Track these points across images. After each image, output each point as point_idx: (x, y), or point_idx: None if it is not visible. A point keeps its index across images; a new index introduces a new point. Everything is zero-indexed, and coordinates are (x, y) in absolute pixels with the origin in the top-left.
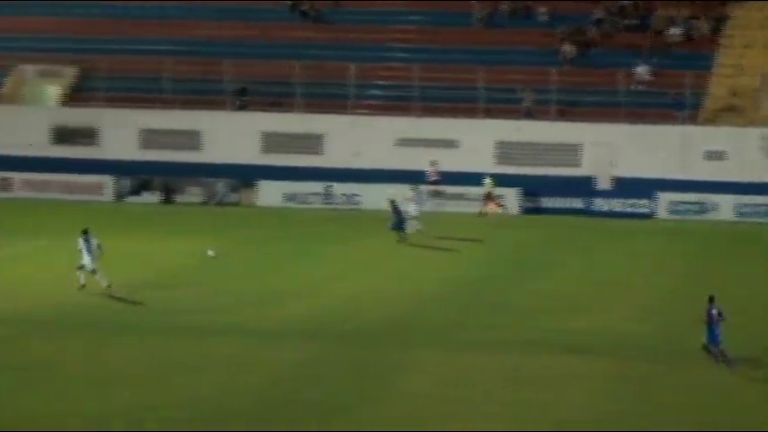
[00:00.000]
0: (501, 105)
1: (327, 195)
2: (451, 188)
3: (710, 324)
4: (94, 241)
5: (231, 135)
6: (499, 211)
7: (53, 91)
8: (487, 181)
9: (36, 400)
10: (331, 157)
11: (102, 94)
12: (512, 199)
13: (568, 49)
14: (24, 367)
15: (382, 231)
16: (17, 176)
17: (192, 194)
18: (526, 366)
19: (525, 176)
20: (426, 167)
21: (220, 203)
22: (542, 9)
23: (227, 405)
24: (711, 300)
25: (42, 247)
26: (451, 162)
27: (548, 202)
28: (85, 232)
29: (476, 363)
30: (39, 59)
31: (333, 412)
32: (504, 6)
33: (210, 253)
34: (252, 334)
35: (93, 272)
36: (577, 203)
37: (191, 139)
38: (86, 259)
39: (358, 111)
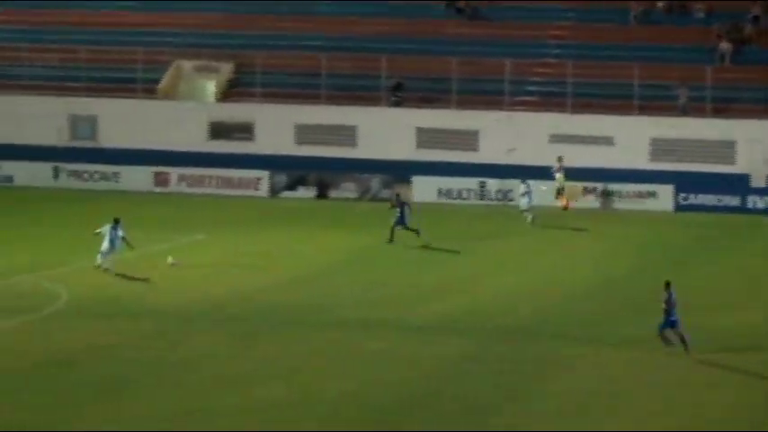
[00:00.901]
0: (656, 102)
1: (481, 191)
2: (606, 185)
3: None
4: (121, 233)
5: (386, 131)
6: (569, 204)
7: (210, 86)
8: (558, 176)
9: (182, 396)
10: (485, 154)
11: (259, 89)
12: (666, 196)
13: (725, 46)
14: (173, 362)
15: (537, 227)
16: (174, 171)
17: (347, 190)
18: (677, 365)
19: (679, 173)
20: (580, 163)
21: (375, 199)
22: (699, 6)
23: (374, 400)
24: (668, 285)
25: (199, 241)
26: (606, 159)
27: (702, 200)
28: (116, 221)
29: (629, 359)
30: (196, 55)
31: (482, 409)
32: (661, 4)
33: (170, 260)
34: (401, 329)
35: (102, 254)
36: (732, 201)
37: (345, 134)
38: (105, 245)
39: (513, 107)
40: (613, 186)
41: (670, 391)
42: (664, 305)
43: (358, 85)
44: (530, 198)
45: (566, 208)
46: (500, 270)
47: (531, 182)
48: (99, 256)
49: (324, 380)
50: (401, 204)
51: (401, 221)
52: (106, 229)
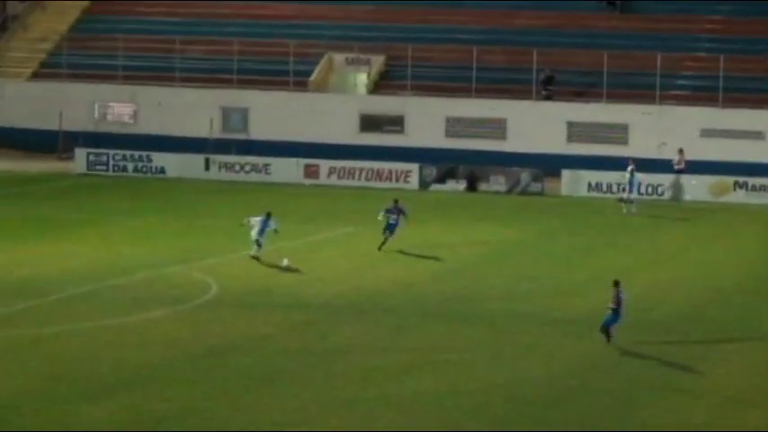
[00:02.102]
0: None
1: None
2: (757, 180)
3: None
4: (273, 224)
5: (536, 124)
6: (627, 198)
7: (361, 79)
8: (629, 167)
9: (332, 387)
10: (636, 147)
11: (409, 82)
12: None
13: None
14: (323, 353)
15: (683, 223)
16: (324, 163)
17: (496, 183)
18: None
19: None
20: (731, 158)
21: (524, 192)
22: None
23: (521, 394)
24: (617, 284)
25: (349, 233)
26: (758, 153)
27: None
28: (269, 215)
29: None
30: (347, 48)
31: (630, 404)
32: None
33: (284, 262)
34: (549, 323)
35: (256, 242)
36: None
37: (496, 127)
38: (254, 232)
39: (664, 101)
40: (763, 181)
41: None
42: (611, 304)
43: (509, 78)
44: (633, 187)
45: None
46: (651, 264)
47: (637, 173)
48: (254, 247)
49: (471, 373)
50: (398, 211)
51: (390, 228)
52: (256, 220)
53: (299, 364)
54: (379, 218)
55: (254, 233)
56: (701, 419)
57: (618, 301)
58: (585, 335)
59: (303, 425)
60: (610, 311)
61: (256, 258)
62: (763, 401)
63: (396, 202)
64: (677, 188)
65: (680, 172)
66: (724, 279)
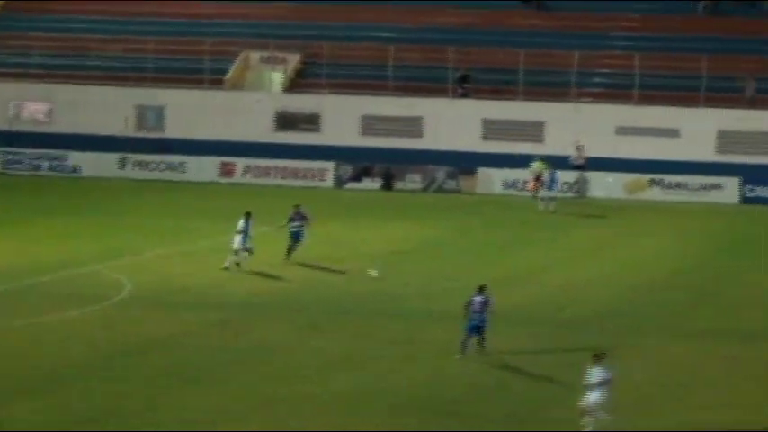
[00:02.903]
0: (723, 94)
1: (549, 184)
2: (672, 177)
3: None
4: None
5: (452, 122)
6: (536, 194)
7: (277, 77)
8: (537, 163)
9: (250, 386)
10: (551, 145)
11: (326, 80)
12: (732, 188)
13: None
14: (239, 353)
15: (597, 221)
16: (240, 162)
17: (412, 181)
18: (748, 355)
19: (746, 166)
20: (646, 155)
21: (440, 190)
22: None
23: (438, 392)
24: (481, 289)
25: (264, 232)
26: (672, 151)
27: None
28: (248, 215)
29: (704, 351)
30: (264, 46)
31: (547, 401)
32: None
33: (373, 273)
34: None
35: (237, 252)
36: None
37: (412, 125)
38: (237, 240)
39: (580, 99)
40: (680, 179)
41: (737, 383)
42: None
43: (425, 76)
44: (553, 186)
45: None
46: (567, 262)
47: (557, 171)
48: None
49: (388, 371)
50: (300, 218)
51: (295, 237)
52: (242, 224)
53: (217, 363)
54: (282, 225)
55: (238, 242)
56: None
57: (482, 308)
58: (502, 332)
59: (223, 424)
60: (473, 319)
61: (237, 265)
62: (677, 397)
63: (297, 207)
64: (581, 184)
65: (580, 168)
66: (640, 276)
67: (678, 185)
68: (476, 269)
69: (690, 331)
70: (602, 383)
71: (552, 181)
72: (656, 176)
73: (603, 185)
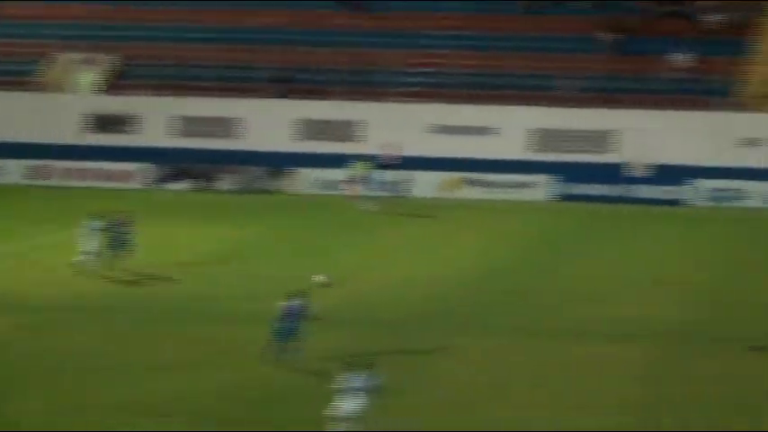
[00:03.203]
0: (538, 92)
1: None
2: (486, 176)
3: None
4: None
5: (269, 122)
6: (355, 194)
7: (90, 79)
8: (359, 163)
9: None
10: (369, 145)
11: (142, 81)
12: (546, 186)
13: (608, 36)
14: (44, 357)
15: (414, 220)
16: (52, 164)
17: (229, 182)
18: (565, 354)
19: (560, 163)
20: (461, 154)
21: (258, 191)
22: None
23: (252, 393)
24: (297, 294)
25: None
26: (486, 150)
27: (582, 189)
28: (101, 217)
29: (513, 350)
30: (77, 47)
31: None
32: None
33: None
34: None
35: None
36: (612, 191)
37: (228, 126)
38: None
39: (396, 98)
40: (495, 177)
41: (555, 380)
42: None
43: (243, 76)
44: (370, 185)
45: (355, 197)
46: (383, 261)
47: (378, 171)
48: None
49: (207, 374)
50: (119, 224)
51: (117, 241)
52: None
53: (32, 368)
54: (99, 229)
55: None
56: (432, 413)
57: (298, 313)
58: (318, 334)
59: (44, 428)
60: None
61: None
62: (495, 395)
63: (115, 212)
64: (400, 184)
65: (388, 167)
66: (457, 275)
67: (493, 184)
68: (293, 270)
69: (507, 329)
70: (363, 390)
71: (374, 181)
72: (472, 175)
73: (420, 184)
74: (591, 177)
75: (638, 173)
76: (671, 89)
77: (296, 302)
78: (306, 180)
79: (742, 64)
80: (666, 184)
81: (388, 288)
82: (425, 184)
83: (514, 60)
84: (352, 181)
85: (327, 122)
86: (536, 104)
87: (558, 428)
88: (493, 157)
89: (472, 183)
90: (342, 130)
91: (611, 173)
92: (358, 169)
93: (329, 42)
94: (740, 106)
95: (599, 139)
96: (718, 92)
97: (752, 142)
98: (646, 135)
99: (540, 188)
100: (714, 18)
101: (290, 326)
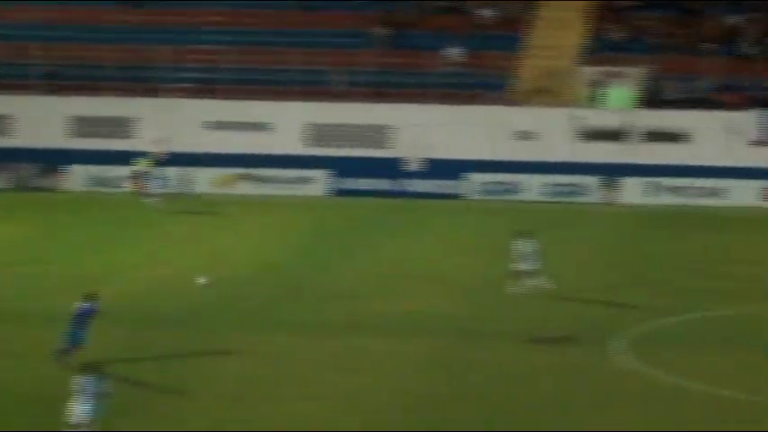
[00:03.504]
0: (313, 87)
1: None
2: (264, 171)
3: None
4: None
5: (39, 119)
6: (140, 190)
7: None
8: (140, 160)
9: None
10: (142, 141)
11: None
12: (323, 181)
13: (382, 31)
14: None
15: (188, 216)
16: None
17: (1, 180)
18: (341, 349)
19: (337, 158)
20: (237, 149)
21: (29, 189)
22: None
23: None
24: (90, 297)
25: None
26: (262, 145)
27: (358, 184)
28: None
29: (290, 345)
30: None
31: (143, 403)
32: None
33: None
34: (52, 319)
35: None
36: (387, 185)
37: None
38: None
39: (169, 94)
40: (271, 172)
41: (329, 375)
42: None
43: (10, 72)
44: (158, 182)
45: (142, 193)
46: (159, 257)
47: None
48: None
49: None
50: None
51: None
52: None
53: None
54: None
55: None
56: (206, 411)
57: (88, 316)
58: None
59: None
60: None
61: None
62: (268, 391)
63: None
64: (179, 180)
65: (163, 163)
66: (231, 271)
67: (269, 179)
68: (66, 268)
69: (279, 325)
70: (94, 395)
71: (156, 178)
72: (248, 170)
73: (196, 180)
74: (367, 172)
75: (413, 167)
76: (445, 84)
77: (88, 305)
78: (79, 177)
79: (515, 59)
80: (442, 178)
81: (163, 285)
82: (202, 181)
83: (289, 55)
84: (136, 177)
85: (100, 119)
86: (311, 100)
87: (335, 422)
88: (269, 152)
89: (249, 179)
90: (114, 127)
91: (387, 167)
92: (142, 165)
93: (101, 38)
94: (513, 101)
95: (375, 133)
96: (492, 86)
97: (525, 136)
98: (421, 130)
99: (317, 183)
100: (487, 13)
101: (80, 328)
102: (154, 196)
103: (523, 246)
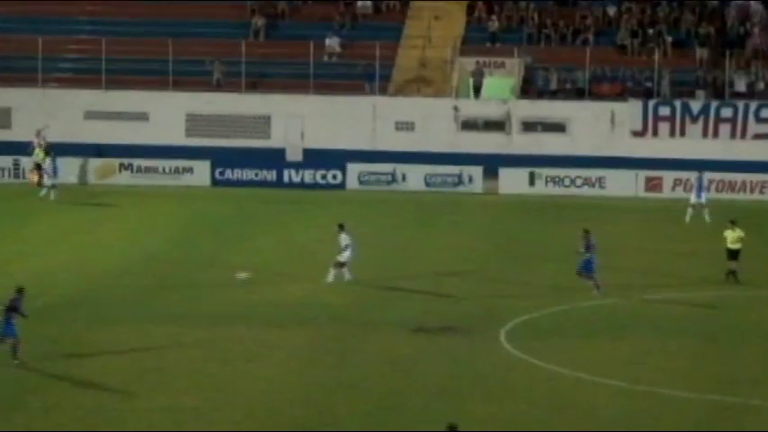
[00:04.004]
0: (190, 78)
1: (16, 170)
2: (142, 161)
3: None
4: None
5: None
6: (35, 180)
7: None
8: (37, 151)
9: None
10: (20, 131)
11: None
12: (203, 171)
13: (259, 21)
14: None
15: (69, 206)
16: None
17: None
18: (220, 339)
19: (216, 148)
20: (116, 140)
21: None
22: None
23: None
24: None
25: None
26: (142, 135)
27: (239, 174)
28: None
29: (169, 335)
30: None
31: (22, 388)
32: None
33: (242, 276)
34: None
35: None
36: (268, 175)
37: None
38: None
39: (47, 84)
40: (150, 163)
41: (209, 366)
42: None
43: None
44: (56, 173)
45: (39, 184)
46: (36, 249)
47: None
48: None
49: None
50: None
51: None
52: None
53: None
54: None
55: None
56: (96, 401)
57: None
58: None
59: None
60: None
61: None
62: (154, 381)
63: None
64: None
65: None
66: (111, 262)
67: (149, 169)
68: None
69: (161, 316)
70: None
71: (54, 169)
72: (127, 160)
73: (73, 171)
74: (248, 162)
75: (293, 157)
76: (324, 74)
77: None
78: None
79: (392, 48)
80: (321, 168)
81: (39, 276)
82: (79, 171)
83: (165, 46)
84: (35, 168)
85: None
86: (192, 90)
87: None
88: (149, 142)
89: (129, 169)
90: None
91: (267, 158)
92: (39, 156)
93: None
94: (391, 91)
95: (255, 123)
96: (370, 77)
97: (403, 126)
98: (300, 120)
99: (198, 174)
100: (365, 3)
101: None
102: (48, 187)
103: (344, 239)
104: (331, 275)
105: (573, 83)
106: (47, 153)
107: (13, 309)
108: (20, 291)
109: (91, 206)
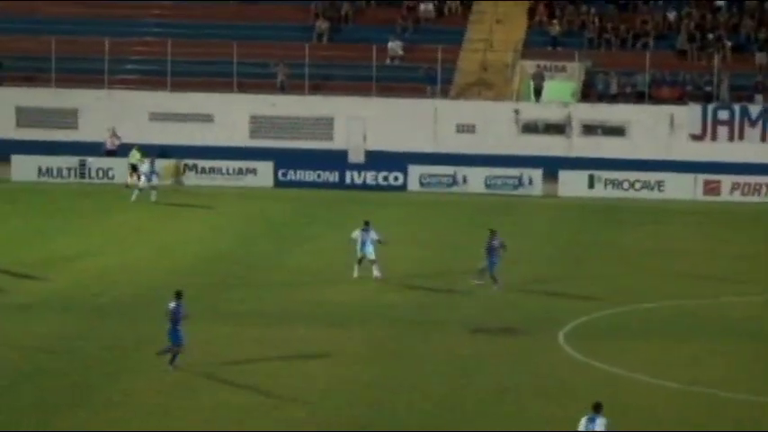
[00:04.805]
0: (255, 80)
1: (82, 170)
2: (207, 162)
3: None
4: (374, 236)
5: None
6: (140, 183)
7: None
8: (133, 152)
9: None
10: (86, 132)
11: None
12: (266, 172)
13: (322, 24)
14: None
15: (133, 206)
16: None
17: None
18: (280, 338)
19: (279, 150)
20: (180, 141)
21: None
22: None
23: None
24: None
25: None
26: (206, 136)
27: (301, 176)
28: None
29: (230, 334)
30: None
31: (85, 384)
32: None
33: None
34: (4, 308)
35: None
36: (330, 177)
37: None
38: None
39: (113, 86)
40: (215, 164)
41: (272, 364)
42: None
43: None
44: (153, 176)
45: (132, 185)
46: (105, 247)
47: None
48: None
49: None
50: None
51: None
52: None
53: None
54: None
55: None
56: (160, 399)
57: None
58: (41, 319)
59: None
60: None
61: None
62: (215, 378)
63: None
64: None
65: (111, 153)
66: (177, 261)
67: (213, 170)
68: (8, 256)
69: (222, 315)
70: None
71: (151, 171)
72: (192, 161)
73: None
74: (310, 164)
75: (355, 159)
76: (386, 77)
77: (174, 304)
78: (23, 167)
79: (454, 52)
80: (383, 169)
81: (107, 274)
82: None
83: (230, 48)
84: (132, 170)
85: (44, 110)
86: (256, 92)
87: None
88: (214, 143)
89: (194, 169)
90: (59, 118)
91: (330, 159)
92: (136, 157)
93: (42, 30)
94: (453, 93)
95: (317, 125)
96: (432, 80)
97: (464, 129)
98: (362, 122)
99: (261, 175)
100: (427, 6)
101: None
102: (147, 188)
103: (363, 236)
104: (376, 271)
105: (633, 87)
106: (144, 154)
107: (176, 321)
108: (178, 295)
109: (155, 206)
